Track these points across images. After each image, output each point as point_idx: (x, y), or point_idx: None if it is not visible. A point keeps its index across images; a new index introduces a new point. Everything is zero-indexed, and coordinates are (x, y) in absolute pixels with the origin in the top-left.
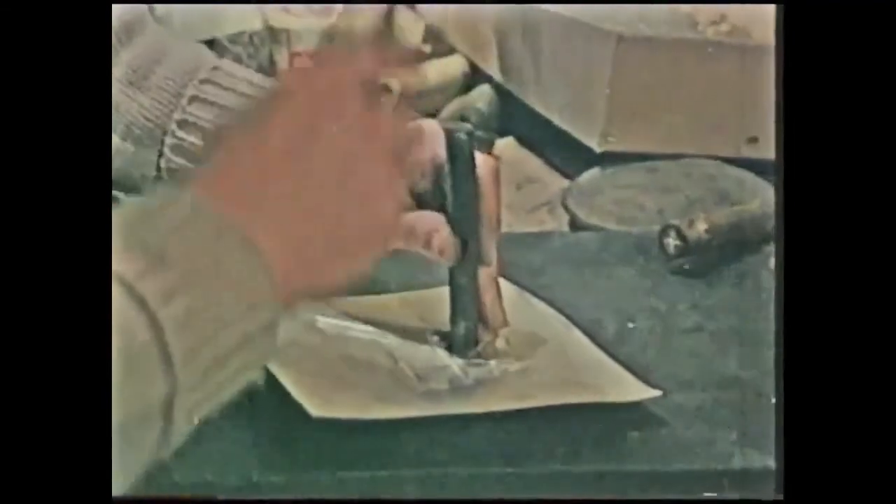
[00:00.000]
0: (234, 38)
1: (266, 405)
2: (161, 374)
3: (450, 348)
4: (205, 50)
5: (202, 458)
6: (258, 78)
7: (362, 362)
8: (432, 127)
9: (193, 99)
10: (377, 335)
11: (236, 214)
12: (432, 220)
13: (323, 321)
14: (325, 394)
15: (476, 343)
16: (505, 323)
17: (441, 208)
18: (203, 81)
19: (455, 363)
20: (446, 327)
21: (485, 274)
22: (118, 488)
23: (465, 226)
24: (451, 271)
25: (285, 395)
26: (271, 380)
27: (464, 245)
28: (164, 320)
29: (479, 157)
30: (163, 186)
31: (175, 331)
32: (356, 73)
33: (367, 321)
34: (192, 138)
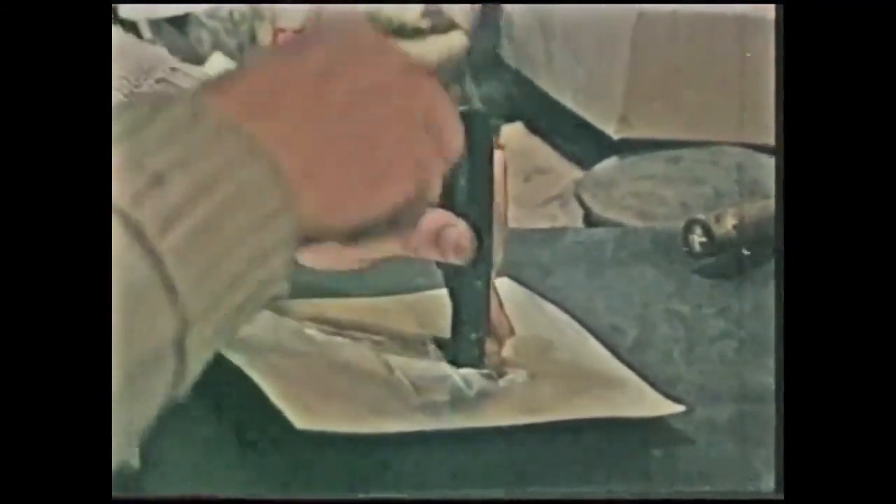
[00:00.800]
0: (212, 13)
1: (247, 416)
2: (167, 310)
3: (453, 361)
4: (164, 51)
5: (176, 470)
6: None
7: (354, 370)
8: None
9: None
10: (371, 341)
11: (247, 123)
12: (442, 216)
13: (311, 329)
14: (311, 404)
15: (483, 355)
16: (511, 332)
17: (446, 206)
18: (159, 81)
19: (457, 373)
20: (445, 333)
21: (491, 287)
22: (131, 437)
23: (481, 222)
24: (455, 274)
25: (267, 405)
26: (253, 388)
27: (479, 243)
28: (163, 251)
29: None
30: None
31: (177, 260)
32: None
33: (360, 326)
34: None
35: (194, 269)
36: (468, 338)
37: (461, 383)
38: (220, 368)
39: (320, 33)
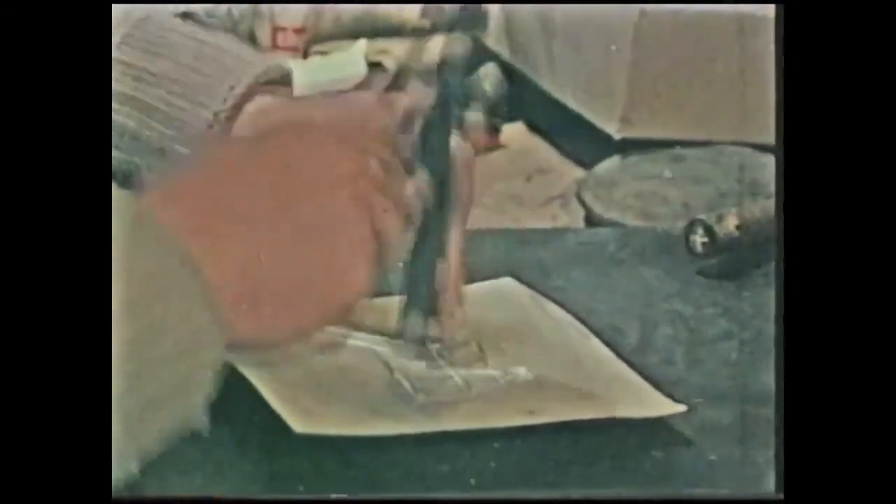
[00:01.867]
0: (211, 12)
1: (245, 419)
2: None
3: (400, 335)
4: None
5: (176, 476)
6: (190, 30)
7: (353, 372)
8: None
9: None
10: (370, 342)
11: (187, 239)
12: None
13: None
14: (310, 407)
15: (425, 340)
16: (464, 321)
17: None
18: (127, 35)
19: (458, 374)
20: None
21: (443, 269)
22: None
23: (439, 174)
24: (410, 255)
25: (266, 407)
26: (251, 391)
27: (437, 201)
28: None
29: (455, 139)
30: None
31: (115, 368)
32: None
33: (359, 326)
34: (117, 117)
35: (125, 381)
36: (409, 319)
37: (462, 384)
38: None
39: (268, 141)
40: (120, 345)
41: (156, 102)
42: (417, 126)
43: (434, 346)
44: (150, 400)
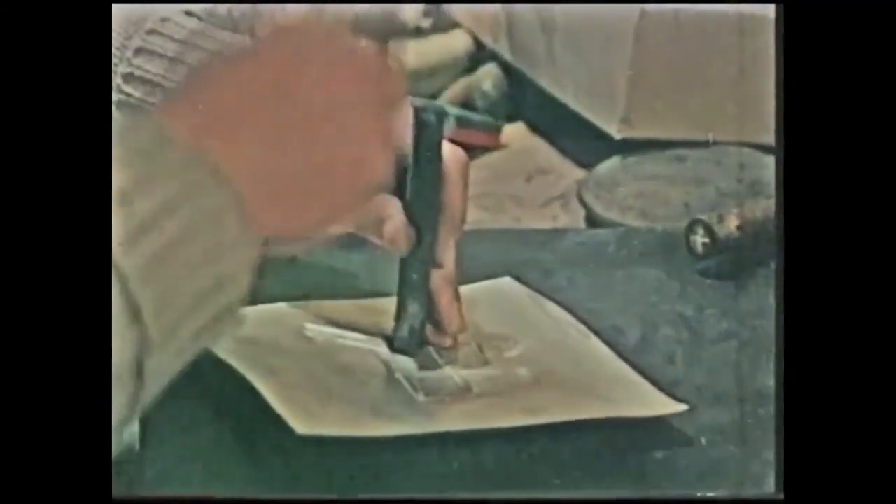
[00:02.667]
0: (211, 11)
1: (247, 420)
2: (129, 329)
3: (391, 346)
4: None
5: (178, 475)
6: (212, 30)
7: (354, 372)
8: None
9: (140, 51)
10: (370, 343)
11: (207, 146)
12: (386, 205)
13: (312, 328)
14: (311, 408)
15: (421, 345)
16: (463, 328)
17: (400, 195)
18: (150, 32)
19: (457, 374)
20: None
21: (438, 276)
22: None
23: (422, 217)
24: (402, 266)
25: (267, 409)
26: (252, 392)
27: (419, 237)
28: (127, 269)
29: (447, 147)
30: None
31: (141, 280)
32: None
33: (358, 327)
34: (139, 93)
35: (156, 291)
36: (402, 330)
37: (462, 384)
38: (219, 371)
39: (273, 38)
40: (148, 255)
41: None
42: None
43: (432, 348)
44: (186, 302)
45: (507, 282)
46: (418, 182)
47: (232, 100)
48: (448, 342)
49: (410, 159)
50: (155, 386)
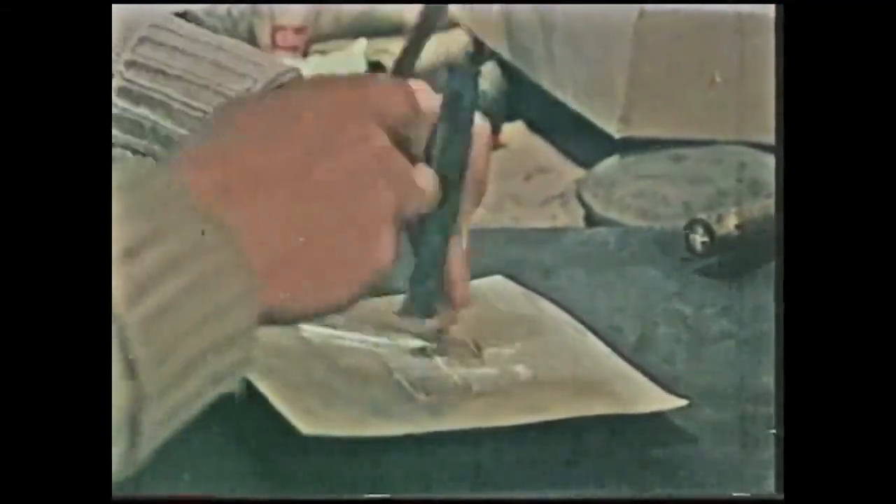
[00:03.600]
0: (211, 11)
1: (250, 422)
2: (125, 383)
3: (403, 311)
4: (150, 9)
5: (181, 476)
6: (207, 35)
7: (354, 373)
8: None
9: (131, 64)
10: (369, 343)
11: (219, 207)
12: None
13: (309, 329)
14: (315, 409)
15: (431, 313)
16: (467, 302)
17: (427, 156)
18: (141, 40)
19: (457, 373)
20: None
21: (455, 244)
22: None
23: (449, 177)
24: (418, 229)
25: (271, 410)
26: (255, 394)
27: (444, 197)
28: (129, 324)
29: (477, 116)
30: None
31: (140, 335)
32: (358, 98)
33: (355, 327)
34: (138, 109)
35: (155, 346)
36: (419, 288)
37: (461, 383)
38: None
39: (302, 110)
40: (149, 311)
41: (171, 102)
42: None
43: (430, 346)
44: (184, 362)
45: (499, 280)
46: (447, 144)
47: (252, 168)
48: (451, 314)
49: (440, 120)
50: (149, 444)
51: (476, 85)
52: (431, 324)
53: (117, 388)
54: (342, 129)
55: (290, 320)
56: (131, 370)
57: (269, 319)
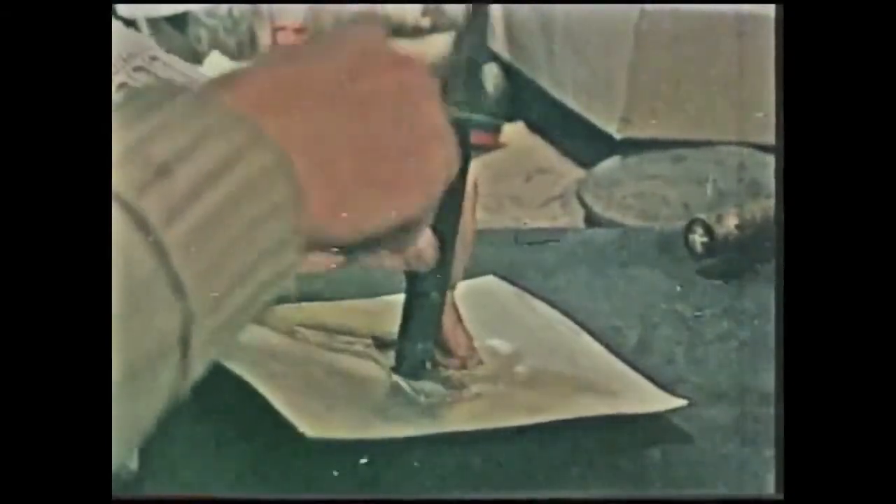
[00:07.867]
0: (211, 12)
1: (254, 425)
2: (173, 304)
3: (396, 369)
4: (147, 40)
5: (185, 478)
6: (197, 73)
7: (352, 375)
8: None
9: (122, 86)
10: (363, 345)
11: (255, 115)
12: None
13: (303, 331)
14: (318, 412)
15: (429, 367)
16: (472, 350)
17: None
18: (137, 69)
19: (454, 374)
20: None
21: (448, 298)
22: (132, 437)
23: (447, 233)
24: (413, 283)
25: (275, 414)
26: (259, 398)
27: (441, 253)
28: (169, 244)
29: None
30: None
31: (183, 253)
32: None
33: (349, 329)
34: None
35: (200, 264)
36: (414, 348)
37: (459, 385)
38: (220, 374)
39: (336, 38)
40: (190, 227)
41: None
42: None
43: (440, 371)
44: (231, 275)
45: (491, 280)
46: (443, 206)
47: (287, 83)
48: (456, 364)
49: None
50: (201, 361)
51: (468, 137)
52: (435, 388)
53: (165, 310)
54: (384, 52)
55: (333, 242)
56: (178, 290)
57: (313, 239)
